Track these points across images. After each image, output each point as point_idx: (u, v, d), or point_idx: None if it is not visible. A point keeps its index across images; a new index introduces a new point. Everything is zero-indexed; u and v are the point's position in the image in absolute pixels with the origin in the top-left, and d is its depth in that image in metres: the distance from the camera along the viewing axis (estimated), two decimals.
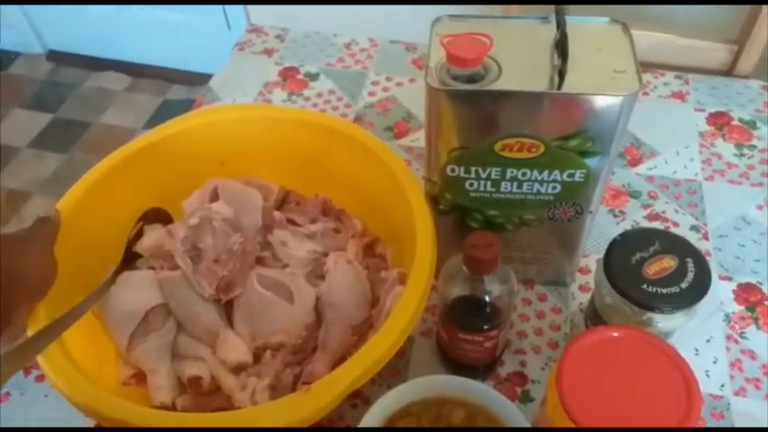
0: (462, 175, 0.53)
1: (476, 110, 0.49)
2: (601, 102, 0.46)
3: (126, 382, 0.54)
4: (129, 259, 0.59)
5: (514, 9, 1.01)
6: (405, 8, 1.55)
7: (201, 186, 0.62)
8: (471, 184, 0.54)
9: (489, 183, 0.53)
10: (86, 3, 2.04)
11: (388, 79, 0.88)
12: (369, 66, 0.90)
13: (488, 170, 0.52)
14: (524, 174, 0.52)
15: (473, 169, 0.52)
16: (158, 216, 0.62)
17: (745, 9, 0.93)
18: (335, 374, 0.46)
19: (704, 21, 1.20)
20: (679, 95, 0.85)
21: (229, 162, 0.66)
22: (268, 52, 0.93)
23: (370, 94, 0.86)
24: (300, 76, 0.89)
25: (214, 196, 0.60)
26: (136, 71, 2.17)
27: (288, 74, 0.89)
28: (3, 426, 0.56)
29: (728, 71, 0.95)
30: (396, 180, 0.58)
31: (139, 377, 0.54)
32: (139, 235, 0.60)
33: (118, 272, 0.57)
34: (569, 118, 0.48)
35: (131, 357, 0.53)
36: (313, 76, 0.89)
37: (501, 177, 0.53)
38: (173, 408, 0.52)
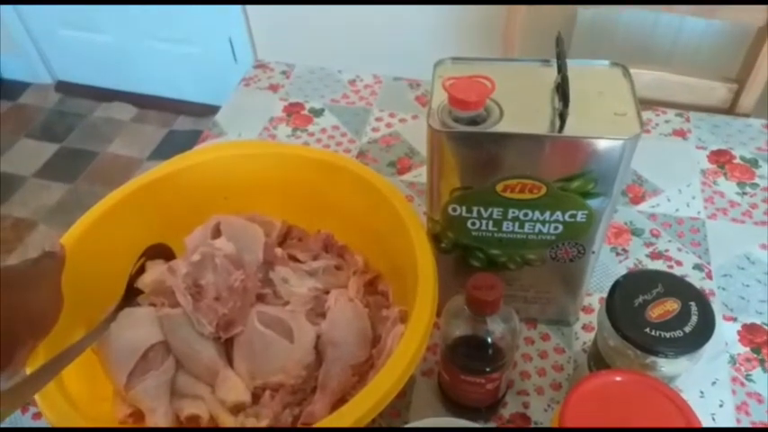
0: (464, 214, 0.53)
1: (477, 151, 0.49)
2: (602, 145, 0.47)
3: (123, 420, 0.53)
4: (131, 295, 0.59)
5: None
6: (409, 45, 1.57)
7: (204, 223, 0.62)
8: (473, 224, 0.54)
9: (491, 222, 0.53)
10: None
11: (391, 115, 0.89)
12: (372, 102, 0.91)
13: (490, 210, 0.52)
14: (526, 214, 0.52)
15: (475, 209, 0.53)
16: (161, 252, 0.62)
17: (744, 47, 0.95)
18: (335, 418, 0.45)
19: (704, 59, 1.22)
20: (680, 133, 0.85)
21: (233, 197, 0.66)
22: (273, 88, 0.94)
23: (374, 129, 0.87)
24: (305, 112, 0.90)
25: (216, 232, 0.60)
26: (143, 102, 2.20)
27: (293, 109, 0.90)
28: None
29: (729, 109, 0.96)
30: (398, 217, 0.58)
31: (137, 416, 0.54)
32: (141, 271, 0.60)
33: (119, 308, 0.57)
34: (571, 160, 0.48)
35: (129, 396, 0.53)
36: (317, 112, 0.90)
37: (503, 217, 0.53)
38: None
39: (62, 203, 1.87)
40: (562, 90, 0.47)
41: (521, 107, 0.49)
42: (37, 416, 0.58)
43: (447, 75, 0.49)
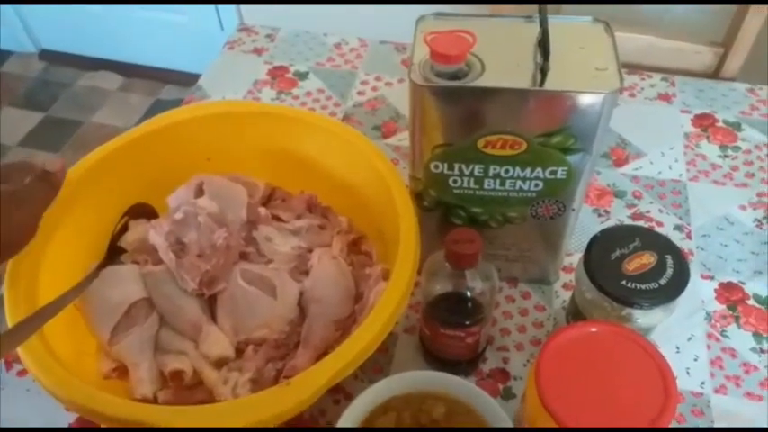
0: (446, 171, 0.53)
1: (458, 106, 0.49)
2: (582, 99, 0.47)
3: (107, 375, 0.54)
4: (114, 254, 0.59)
5: (503, 9, 1.01)
6: (394, 9, 1.55)
7: (187, 182, 0.62)
8: (455, 181, 0.54)
9: (472, 180, 0.54)
10: (80, 2, 2.03)
11: (377, 79, 0.89)
12: (358, 65, 0.91)
13: (471, 167, 0.53)
14: (507, 171, 0.52)
15: (456, 166, 0.53)
16: (143, 211, 0.62)
17: (730, 12, 0.94)
18: (316, 368, 0.46)
19: (691, 24, 1.22)
20: (665, 97, 0.85)
21: (216, 158, 0.66)
22: (258, 51, 0.93)
23: (359, 93, 0.87)
24: (290, 75, 0.89)
25: (199, 192, 0.60)
26: (129, 71, 2.17)
27: (277, 73, 0.90)
28: None
29: (714, 74, 0.96)
30: (380, 177, 0.58)
31: (121, 371, 0.54)
32: (124, 230, 0.60)
33: (101, 266, 0.57)
34: (551, 115, 0.48)
35: (113, 351, 0.53)
36: (302, 76, 0.89)
37: (484, 174, 0.53)
38: (154, 401, 0.52)
39: None
40: (543, 44, 0.47)
41: (502, 62, 0.49)
42: (22, 372, 0.58)
43: (429, 30, 0.49)
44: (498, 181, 0.53)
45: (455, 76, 0.48)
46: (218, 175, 0.63)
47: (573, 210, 0.56)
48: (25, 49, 2.26)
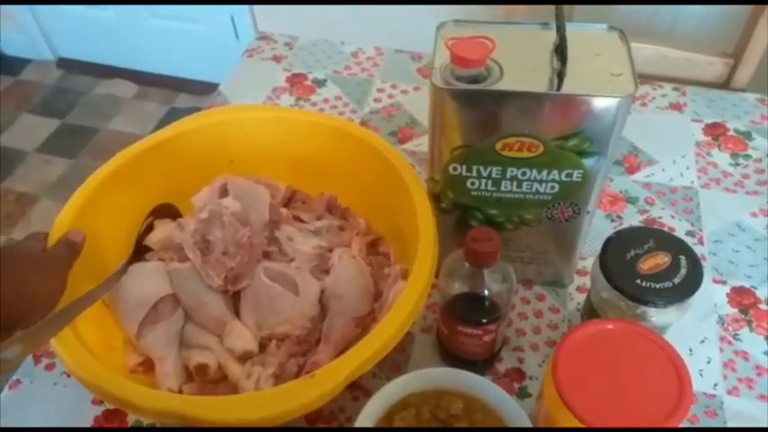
0: (464, 173, 0.55)
1: (478, 109, 0.51)
2: (598, 103, 0.48)
3: (134, 369, 0.55)
4: (140, 252, 0.61)
5: (518, 9, 1.03)
6: (411, 19, 1.57)
7: (211, 183, 0.63)
8: (473, 183, 0.56)
9: (490, 182, 0.55)
10: (94, 3, 2.06)
11: (393, 87, 0.91)
12: (375, 73, 0.93)
13: (489, 169, 0.54)
14: (524, 173, 0.54)
15: (474, 168, 0.54)
16: (168, 211, 0.64)
17: (741, 24, 0.96)
18: (338, 362, 0.47)
19: (702, 35, 1.23)
20: (676, 107, 0.87)
21: (239, 161, 0.68)
22: (277, 59, 0.95)
23: (376, 100, 0.89)
24: (308, 83, 0.91)
25: (223, 192, 0.62)
26: (144, 79, 2.21)
27: (296, 80, 0.92)
28: (14, 411, 0.57)
29: (725, 84, 0.97)
30: (400, 179, 0.59)
31: (147, 365, 0.56)
32: (150, 229, 0.62)
33: (128, 263, 0.58)
34: (567, 118, 0.50)
35: (140, 345, 0.55)
36: (320, 83, 0.91)
37: (501, 176, 0.54)
38: None
39: (64, 178, 1.89)
40: (560, 50, 0.49)
41: (520, 67, 0.50)
42: (50, 366, 0.60)
43: (449, 36, 0.51)
44: (515, 183, 0.55)
45: (475, 80, 0.50)
46: (241, 177, 0.65)
47: (587, 213, 0.57)
48: (43, 57, 2.31)
